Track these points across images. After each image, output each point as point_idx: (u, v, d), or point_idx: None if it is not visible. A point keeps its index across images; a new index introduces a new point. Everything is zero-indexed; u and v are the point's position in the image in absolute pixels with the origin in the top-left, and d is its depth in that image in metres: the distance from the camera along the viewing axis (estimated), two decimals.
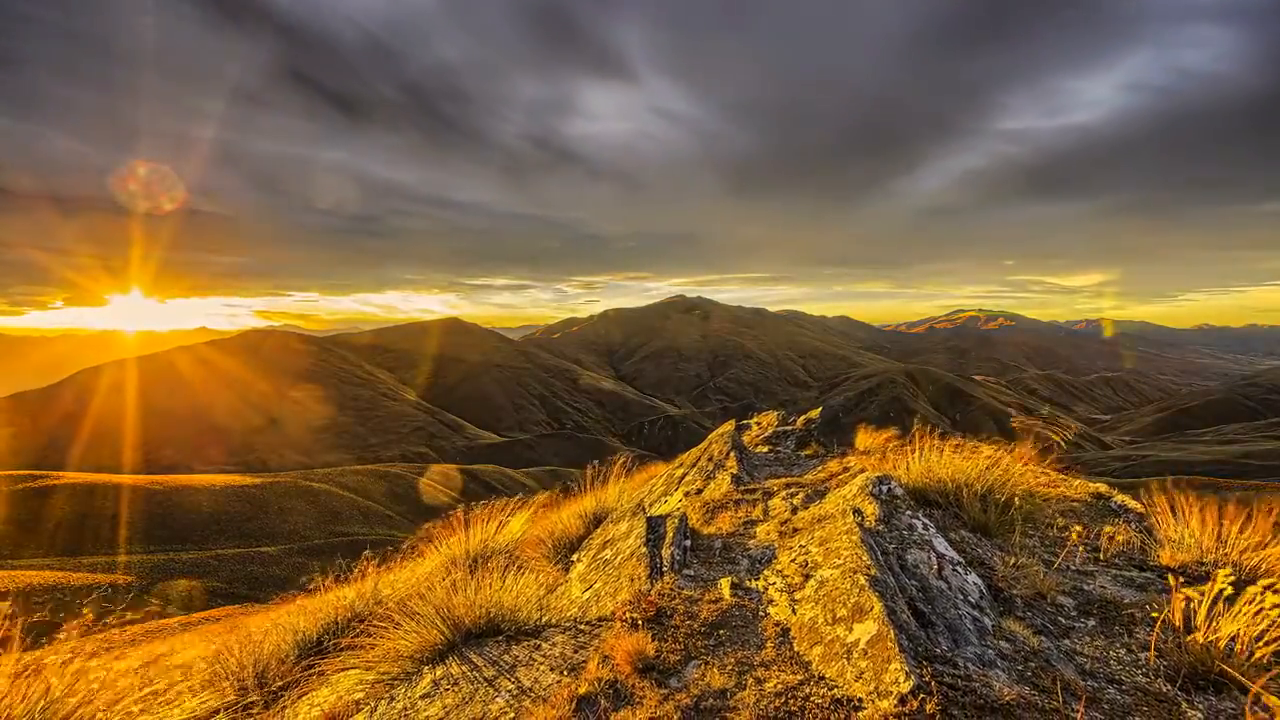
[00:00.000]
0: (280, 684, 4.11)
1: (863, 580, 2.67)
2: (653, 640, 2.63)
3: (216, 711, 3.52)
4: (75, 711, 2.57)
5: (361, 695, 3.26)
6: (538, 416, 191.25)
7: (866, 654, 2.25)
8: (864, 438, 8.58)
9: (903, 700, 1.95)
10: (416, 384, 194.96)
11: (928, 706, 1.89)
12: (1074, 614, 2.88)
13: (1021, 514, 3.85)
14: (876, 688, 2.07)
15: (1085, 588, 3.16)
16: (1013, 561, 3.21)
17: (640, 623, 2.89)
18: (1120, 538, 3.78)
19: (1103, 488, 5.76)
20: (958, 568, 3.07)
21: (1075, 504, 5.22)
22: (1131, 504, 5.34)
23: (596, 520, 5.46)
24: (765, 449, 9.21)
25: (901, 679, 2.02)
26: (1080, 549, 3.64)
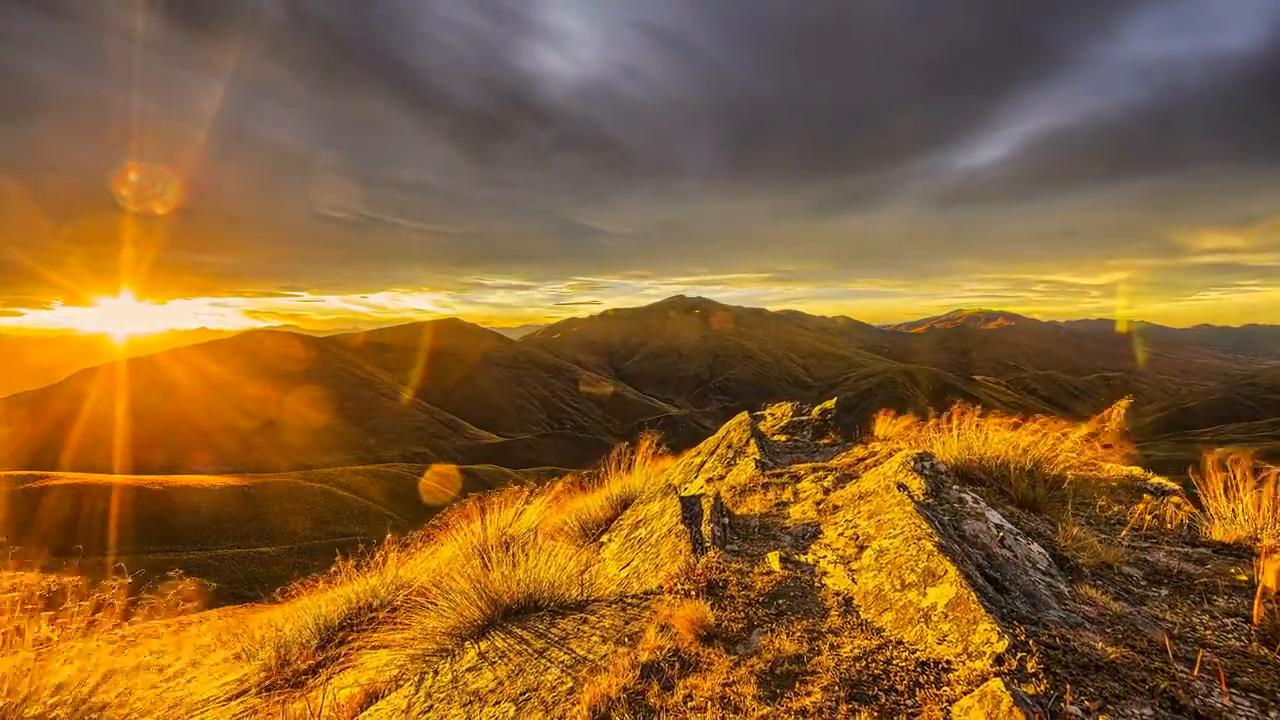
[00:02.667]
0: (305, 666, 4.00)
1: (930, 546, 2.57)
2: (712, 609, 2.52)
3: (244, 688, 3.41)
4: (109, 687, 2.45)
5: (397, 672, 3.14)
6: (538, 416, 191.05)
7: (947, 617, 2.14)
8: (883, 425, 8.47)
9: (999, 660, 1.84)
10: (416, 384, 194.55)
11: (1028, 665, 1.78)
12: (1144, 584, 2.78)
13: (1073, 489, 3.75)
14: (965, 649, 1.96)
15: (1149, 559, 3.06)
16: (1073, 533, 3.11)
17: (694, 593, 2.78)
18: (1179, 516, 3.69)
19: (1137, 471, 5.67)
20: (1019, 537, 2.96)
21: (1113, 485, 5.13)
22: (1169, 485, 5.25)
23: (623, 503, 5.35)
24: (783, 438, 9.10)
25: (994, 639, 1.92)
26: (1141, 526, 3.54)
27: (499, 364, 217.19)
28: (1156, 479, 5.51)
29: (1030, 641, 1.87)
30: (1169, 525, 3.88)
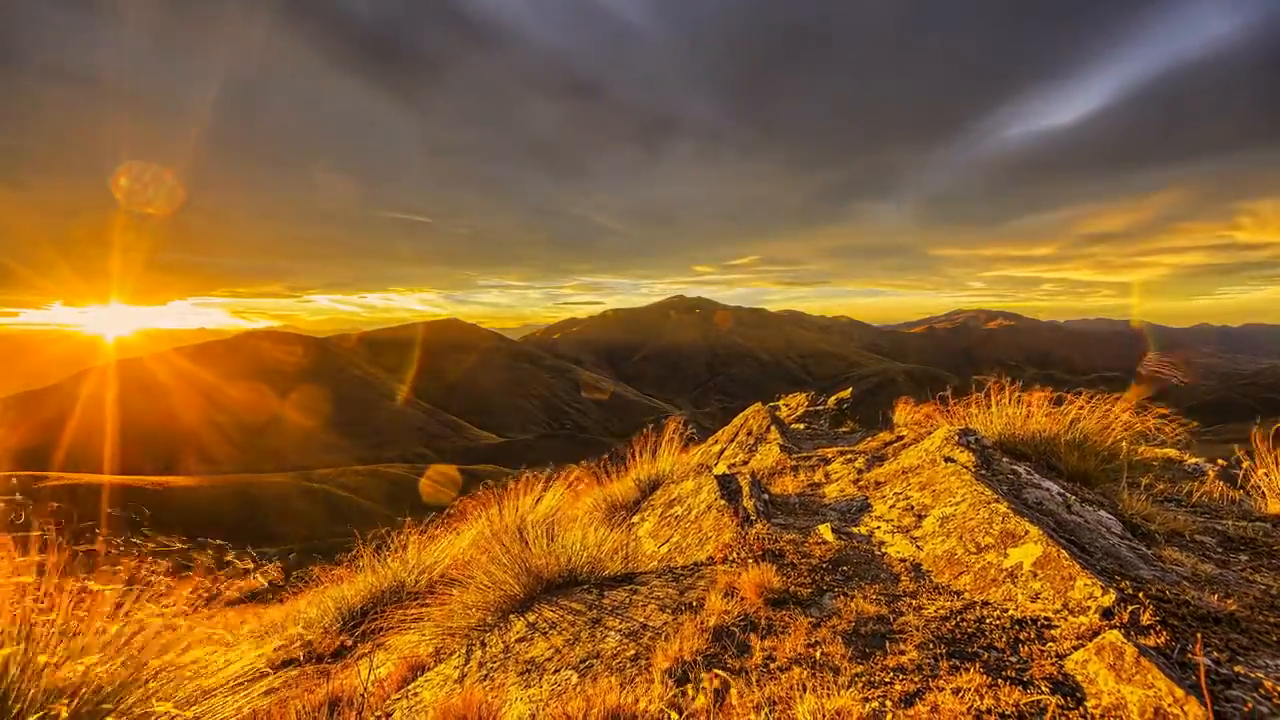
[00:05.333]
0: (337, 645, 3.88)
1: (1003, 509, 2.46)
2: (777, 574, 2.41)
3: (277, 664, 3.30)
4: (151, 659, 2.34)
5: (437, 646, 3.03)
6: (538, 417, 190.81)
7: (1037, 575, 2.03)
8: (903, 413, 8.37)
9: (1107, 613, 1.73)
10: (415, 385, 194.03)
11: (1142, 617, 1.68)
12: (1220, 550, 2.67)
13: (1126, 461, 3.65)
14: (1065, 605, 1.86)
15: (1218, 528, 2.96)
16: (1136, 503, 3.00)
17: (751, 561, 2.67)
18: (1233, 492, 3.59)
19: (1173, 453, 5.57)
20: (1085, 504, 2.86)
21: (1154, 465, 5.03)
22: (1207, 465, 5.16)
23: (651, 486, 5.24)
24: (800, 426, 8.99)
25: (1098, 593, 1.81)
26: (1212, 498, 3.43)
27: (499, 364, 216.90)
28: (1194, 459, 5.42)
29: (1139, 594, 1.77)
30: (1222, 500, 3.78)
